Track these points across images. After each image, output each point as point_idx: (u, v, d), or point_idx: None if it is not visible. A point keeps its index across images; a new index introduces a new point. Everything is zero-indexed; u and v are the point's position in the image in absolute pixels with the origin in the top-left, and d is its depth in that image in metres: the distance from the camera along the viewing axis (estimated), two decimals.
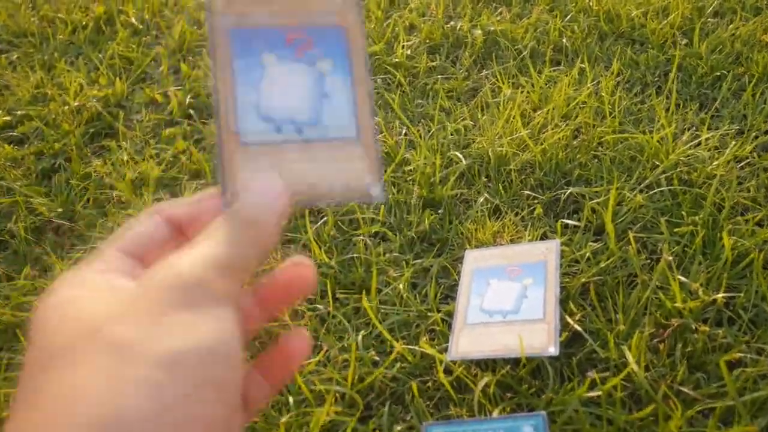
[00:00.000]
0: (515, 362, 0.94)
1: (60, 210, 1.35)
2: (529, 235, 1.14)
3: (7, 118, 1.64)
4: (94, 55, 1.86)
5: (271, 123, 0.48)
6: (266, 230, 0.37)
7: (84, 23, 2.03)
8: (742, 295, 0.98)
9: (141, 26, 2.00)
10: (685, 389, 0.88)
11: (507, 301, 0.99)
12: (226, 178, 0.43)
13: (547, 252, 1.04)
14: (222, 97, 0.47)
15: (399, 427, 0.90)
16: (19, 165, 1.49)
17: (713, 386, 0.88)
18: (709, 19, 1.67)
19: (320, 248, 1.17)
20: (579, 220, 1.16)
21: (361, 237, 1.18)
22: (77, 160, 1.47)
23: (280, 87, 0.49)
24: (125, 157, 1.45)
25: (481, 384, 0.91)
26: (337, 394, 0.95)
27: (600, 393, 0.87)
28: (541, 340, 0.91)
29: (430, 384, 0.95)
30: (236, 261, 0.36)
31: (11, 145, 1.55)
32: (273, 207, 0.38)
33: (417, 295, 1.08)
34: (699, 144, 1.27)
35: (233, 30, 0.49)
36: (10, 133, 1.60)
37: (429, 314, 1.03)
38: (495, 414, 0.88)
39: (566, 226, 1.16)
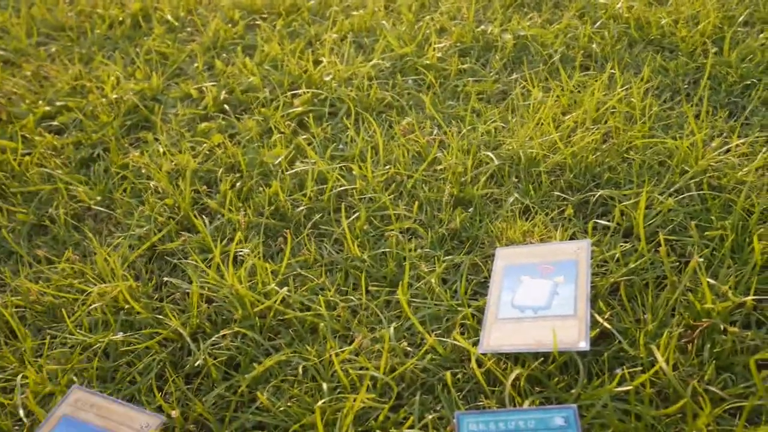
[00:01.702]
0: (545, 357, 0.96)
1: (99, 198, 1.38)
2: (559, 235, 1.16)
3: (48, 108, 1.68)
4: (131, 49, 1.91)
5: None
6: None
7: (121, 19, 2.07)
8: None
9: (176, 23, 2.04)
10: (713, 388, 0.89)
11: (539, 297, 1.01)
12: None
13: (579, 251, 1.06)
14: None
15: (430, 416, 0.92)
16: (59, 153, 1.53)
17: (741, 386, 0.89)
18: (739, 28, 1.68)
19: (353, 242, 1.19)
20: (608, 221, 1.17)
21: (393, 232, 1.21)
22: (115, 151, 1.50)
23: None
24: (161, 149, 1.49)
25: (512, 377, 0.93)
26: (370, 383, 0.97)
27: (629, 389, 0.89)
28: (572, 335, 0.92)
29: (460, 376, 0.97)
30: None
31: (51, 135, 1.59)
32: None
33: (447, 290, 1.10)
34: (728, 151, 1.29)
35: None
36: (50, 123, 1.65)
37: (459, 309, 1.05)
38: (525, 406, 0.90)
39: (596, 227, 1.18)
